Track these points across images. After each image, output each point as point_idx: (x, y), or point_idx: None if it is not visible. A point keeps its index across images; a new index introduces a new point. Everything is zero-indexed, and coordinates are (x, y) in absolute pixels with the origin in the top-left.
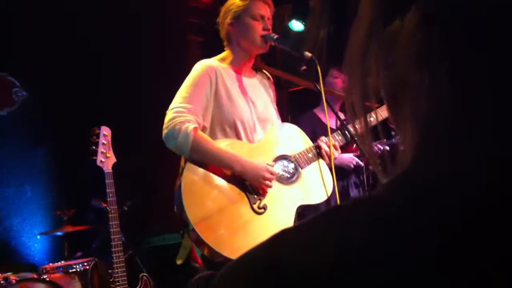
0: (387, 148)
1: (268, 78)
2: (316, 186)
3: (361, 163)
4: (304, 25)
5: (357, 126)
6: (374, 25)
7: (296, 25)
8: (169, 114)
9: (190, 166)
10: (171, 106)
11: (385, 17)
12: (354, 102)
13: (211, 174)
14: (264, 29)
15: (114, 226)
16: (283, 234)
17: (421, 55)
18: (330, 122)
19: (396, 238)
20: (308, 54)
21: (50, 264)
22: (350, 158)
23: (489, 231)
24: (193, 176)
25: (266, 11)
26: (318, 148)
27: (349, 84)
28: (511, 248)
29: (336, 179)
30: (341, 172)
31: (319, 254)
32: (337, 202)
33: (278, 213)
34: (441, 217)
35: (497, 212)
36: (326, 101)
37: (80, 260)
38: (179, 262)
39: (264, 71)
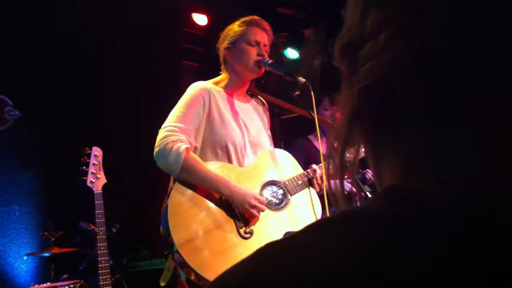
0: None
1: (263, 104)
2: (305, 212)
3: (354, 190)
4: (299, 54)
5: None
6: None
7: (291, 53)
8: (162, 133)
9: (178, 187)
10: (163, 125)
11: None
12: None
13: (199, 196)
14: (258, 55)
15: (102, 248)
16: (266, 249)
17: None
18: (323, 149)
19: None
20: (302, 79)
21: (36, 285)
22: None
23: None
24: (180, 197)
25: (262, 37)
26: (308, 175)
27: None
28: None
29: (328, 206)
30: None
31: (319, 265)
32: None
33: (265, 238)
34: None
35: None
36: (320, 127)
37: (66, 282)
38: (162, 284)
39: (259, 97)
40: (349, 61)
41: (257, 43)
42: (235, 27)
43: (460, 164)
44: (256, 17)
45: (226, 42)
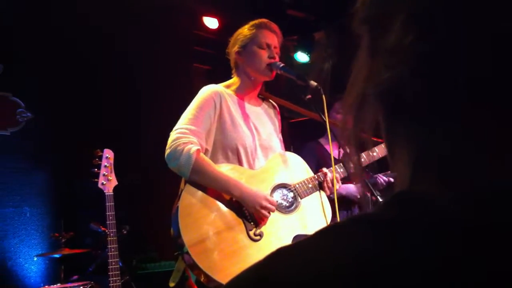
0: (392, 180)
1: (274, 107)
2: (315, 216)
3: (368, 194)
4: (309, 57)
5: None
6: (369, 80)
7: (302, 57)
8: (173, 135)
9: (188, 188)
10: (175, 127)
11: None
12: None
13: (209, 198)
14: (269, 57)
15: (112, 250)
16: (277, 252)
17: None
18: (334, 152)
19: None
20: (313, 83)
21: (46, 286)
22: (357, 189)
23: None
24: (191, 199)
25: (273, 39)
26: (319, 178)
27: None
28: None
29: (339, 210)
30: (346, 203)
31: (313, 267)
32: None
33: (274, 241)
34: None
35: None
36: (331, 131)
37: (76, 284)
38: (171, 284)
39: (271, 100)
40: (369, 38)
41: (268, 46)
42: (244, 31)
43: (460, 164)
44: (265, 20)
45: (237, 46)
